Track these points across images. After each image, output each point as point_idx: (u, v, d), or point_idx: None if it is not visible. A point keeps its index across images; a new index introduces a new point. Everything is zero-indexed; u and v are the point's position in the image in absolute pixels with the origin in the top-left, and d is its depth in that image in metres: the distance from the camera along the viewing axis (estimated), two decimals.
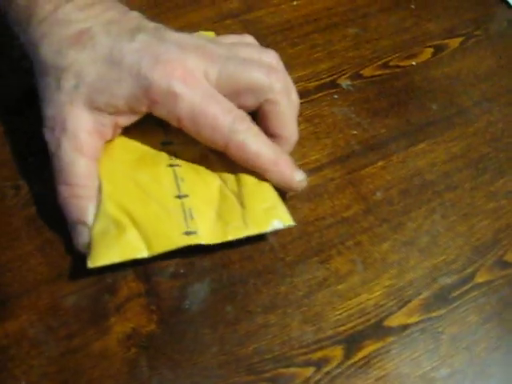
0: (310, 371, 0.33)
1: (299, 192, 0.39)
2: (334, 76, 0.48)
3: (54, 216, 0.38)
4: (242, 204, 0.37)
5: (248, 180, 0.38)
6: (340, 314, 0.35)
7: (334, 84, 0.47)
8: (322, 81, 0.48)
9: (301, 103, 0.44)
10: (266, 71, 0.37)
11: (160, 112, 0.36)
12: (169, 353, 0.33)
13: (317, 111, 0.45)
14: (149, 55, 0.35)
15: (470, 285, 0.37)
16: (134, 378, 0.32)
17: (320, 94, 0.47)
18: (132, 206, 0.36)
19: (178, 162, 0.39)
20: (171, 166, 0.38)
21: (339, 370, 0.33)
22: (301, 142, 0.43)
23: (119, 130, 0.38)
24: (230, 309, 0.35)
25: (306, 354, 0.34)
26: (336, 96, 0.47)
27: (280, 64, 0.40)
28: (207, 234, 0.36)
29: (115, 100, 0.35)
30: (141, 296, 0.35)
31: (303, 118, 0.45)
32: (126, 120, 0.37)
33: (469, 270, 0.38)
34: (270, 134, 0.38)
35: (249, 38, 0.43)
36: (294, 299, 0.36)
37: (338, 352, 0.34)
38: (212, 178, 0.39)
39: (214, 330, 0.34)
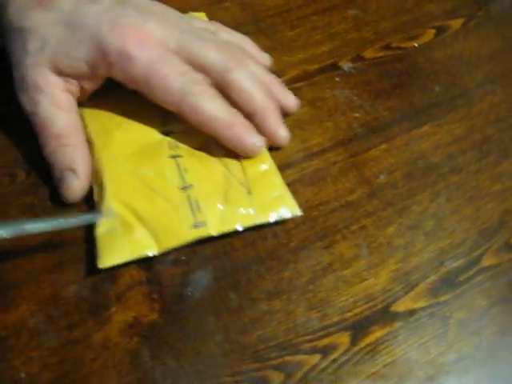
0: (316, 358, 0.33)
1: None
2: (335, 58, 0.47)
3: (50, 204, 0.37)
4: (249, 191, 0.37)
5: (252, 167, 0.38)
6: (346, 300, 0.35)
7: (335, 66, 0.47)
8: (323, 63, 0.47)
9: (302, 86, 0.44)
10: (218, 49, 0.38)
11: (117, 74, 0.37)
12: (171, 342, 0.33)
13: (318, 94, 0.45)
14: (108, 19, 0.36)
15: (476, 268, 0.37)
16: (136, 369, 0.32)
17: (321, 77, 0.46)
18: (137, 204, 0.36)
19: (180, 151, 0.38)
20: (173, 157, 0.38)
21: (346, 357, 0.33)
22: (302, 125, 0.42)
23: (88, 93, 0.39)
24: (233, 296, 0.34)
25: (311, 340, 0.33)
26: (337, 78, 0.46)
27: (239, 50, 0.41)
28: (216, 224, 0.36)
29: (76, 62, 0.36)
30: (142, 284, 0.34)
31: (305, 102, 0.44)
32: (91, 85, 0.38)
33: (475, 254, 0.37)
34: (245, 113, 0.38)
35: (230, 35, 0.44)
36: (298, 285, 0.35)
37: (344, 338, 0.33)
38: (215, 165, 0.38)
39: (218, 318, 0.34)
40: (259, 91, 0.39)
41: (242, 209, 0.36)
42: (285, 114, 0.41)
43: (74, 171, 0.36)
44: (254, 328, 0.33)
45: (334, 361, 0.33)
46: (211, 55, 0.38)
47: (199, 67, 0.38)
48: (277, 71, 0.45)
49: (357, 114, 0.44)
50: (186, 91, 0.36)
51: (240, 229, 0.36)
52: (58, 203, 0.37)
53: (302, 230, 0.37)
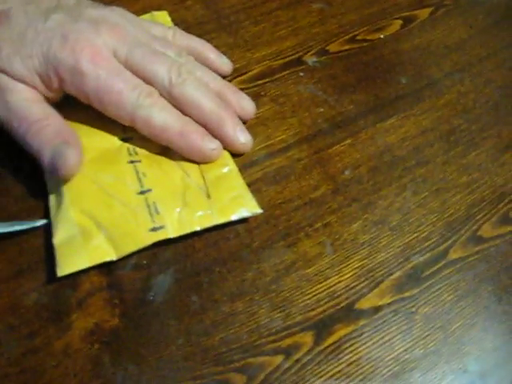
0: (279, 359, 0.32)
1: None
2: (300, 53, 0.47)
3: (9, 210, 0.37)
4: (208, 194, 0.37)
5: (211, 171, 0.38)
6: (309, 299, 0.34)
7: (299, 61, 0.46)
8: (287, 59, 0.46)
9: (265, 83, 0.44)
10: (169, 64, 0.38)
11: (69, 89, 0.37)
12: (133, 347, 0.32)
13: (282, 90, 0.44)
14: (59, 35, 0.36)
15: (443, 262, 0.36)
16: (97, 375, 0.31)
17: (285, 73, 0.45)
18: (96, 210, 0.35)
19: (139, 157, 0.38)
20: (132, 162, 0.38)
21: (309, 357, 0.32)
22: (265, 122, 0.42)
23: (53, 102, 0.39)
24: (195, 299, 0.34)
25: (274, 341, 0.33)
26: (302, 73, 0.45)
27: (186, 58, 0.41)
28: (174, 226, 0.35)
29: (29, 76, 0.36)
30: (103, 290, 0.34)
31: (268, 98, 0.43)
32: (51, 95, 0.38)
33: (442, 247, 0.37)
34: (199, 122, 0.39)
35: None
36: (261, 285, 0.35)
37: (307, 338, 0.33)
38: (174, 170, 0.38)
39: (180, 321, 0.33)
40: (209, 101, 0.38)
41: (200, 211, 0.36)
42: (243, 120, 0.41)
43: (66, 142, 0.36)
44: (216, 330, 0.33)
45: (298, 361, 0.32)
46: (160, 70, 0.38)
47: (148, 81, 0.38)
48: (240, 68, 0.45)
49: (321, 109, 0.43)
50: (138, 105, 0.36)
51: (199, 229, 0.36)
52: (19, 210, 0.37)
53: (264, 229, 0.37)
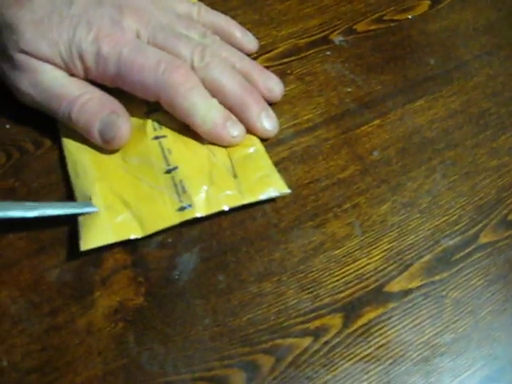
0: (307, 341, 0.32)
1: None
2: (326, 32, 0.46)
3: (32, 187, 0.36)
4: (235, 174, 0.36)
5: (237, 151, 0.37)
6: (338, 281, 0.34)
7: (326, 40, 0.45)
8: (313, 37, 0.45)
9: (291, 61, 0.43)
10: (192, 47, 0.37)
11: (95, 76, 0.37)
12: (158, 326, 0.32)
13: (308, 69, 0.43)
14: (84, 21, 0.36)
15: (473, 246, 0.36)
16: (121, 355, 0.31)
17: (311, 51, 0.44)
18: (122, 189, 0.35)
19: (163, 132, 0.37)
20: (156, 138, 0.37)
21: (338, 339, 0.32)
22: (292, 101, 0.41)
23: None
24: (221, 278, 0.33)
25: (303, 323, 0.32)
26: (328, 52, 0.44)
27: (211, 38, 0.40)
28: (201, 205, 0.34)
29: (56, 60, 0.36)
30: (127, 268, 0.33)
31: (294, 77, 0.42)
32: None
33: (472, 231, 0.36)
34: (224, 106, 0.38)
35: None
36: (289, 266, 0.34)
37: (336, 320, 0.32)
38: (200, 148, 0.37)
39: (206, 301, 0.33)
40: (234, 85, 0.37)
41: (228, 191, 0.35)
42: (271, 101, 0.40)
43: (114, 112, 0.36)
44: (243, 311, 0.32)
45: (326, 343, 0.32)
46: (182, 53, 0.37)
47: None
48: (266, 46, 0.44)
49: (349, 89, 0.42)
50: (163, 82, 0.35)
51: (226, 209, 0.35)
52: (40, 186, 0.36)
53: (292, 209, 0.36)
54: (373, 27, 0.46)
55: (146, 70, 0.35)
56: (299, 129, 0.40)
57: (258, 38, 0.44)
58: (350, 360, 0.31)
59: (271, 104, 0.40)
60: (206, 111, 0.36)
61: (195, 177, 0.35)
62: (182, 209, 0.34)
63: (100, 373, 0.30)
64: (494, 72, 0.45)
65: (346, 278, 0.34)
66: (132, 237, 0.33)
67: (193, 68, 0.37)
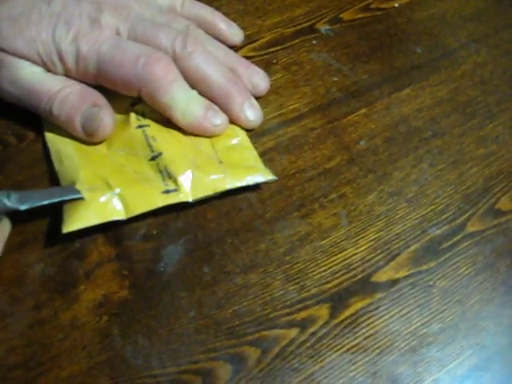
0: (294, 332, 0.31)
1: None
2: (312, 21, 0.45)
3: (15, 180, 0.36)
4: (220, 161, 0.35)
5: (221, 141, 0.37)
6: (324, 271, 0.33)
7: (312, 29, 0.45)
8: (299, 26, 0.45)
9: (277, 50, 0.43)
10: (174, 35, 0.37)
11: (76, 75, 0.36)
12: (143, 319, 0.31)
13: (294, 58, 0.43)
14: (63, 21, 0.35)
15: (460, 235, 0.35)
16: (106, 348, 0.30)
17: (297, 41, 0.44)
18: (107, 173, 0.34)
19: (146, 121, 0.37)
20: (140, 126, 0.36)
21: (325, 330, 0.31)
22: (278, 91, 0.41)
23: None
24: (207, 270, 0.33)
25: (289, 314, 0.32)
26: (314, 42, 0.44)
27: (194, 31, 0.39)
28: (186, 189, 0.34)
29: (33, 57, 0.35)
30: (111, 261, 0.33)
31: (280, 66, 0.42)
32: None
33: (459, 220, 0.36)
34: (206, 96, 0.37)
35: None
36: (274, 257, 0.34)
37: (323, 311, 0.32)
38: (183, 135, 0.37)
39: (191, 293, 0.32)
40: (217, 75, 0.37)
41: (213, 175, 0.35)
42: (256, 96, 0.40)
43: (95, 105, 0.35)
44: (228, 303, 0.32)
45: (313, 334, 0.31)
46: (162, 42, 0.36)
47: None
48: (251, 35, 0.44)
49: (335, 78, 0.42)
50: (142, 77, 0.35)
51: (212, 194, 0.35)
52: (24, 179, 0.36)
53: (278, 199, 0.36)
54: (359, 16, 0.46)
55: (125, 65, 0.35)
56: (285, 119, 0.39)
57: (242, 28, 0.43)
58: (337, 351, 0.31)
59: (257, 100, 0.39)
60: (185, 104, 0.36)
61: (180, 162, 0.35)
62: (166, 192, 0.34)
63: (85, 367, 0.30)
64: (482, 60, 0.44)
65: (333, 269, 0.33)
66: (115, 218, 0.33)
67: (175, 57, 0.36)
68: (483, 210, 0.37)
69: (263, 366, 0.30)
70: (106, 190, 0.33)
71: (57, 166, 0.35)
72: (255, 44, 0.43)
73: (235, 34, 0.43)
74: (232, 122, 0.38)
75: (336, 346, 0.31)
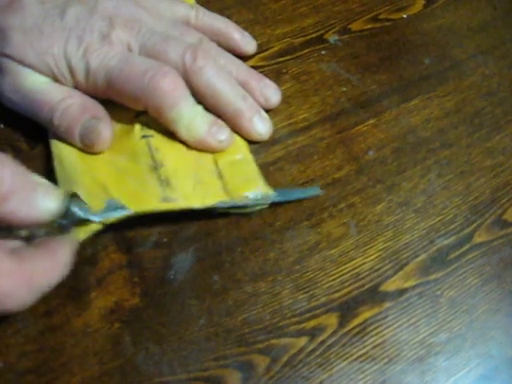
0: (303, 341, 0.32)
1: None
2: (321, 31, 0.46)
3: None
4: (221, 175, 0.36)
5: (224, 157, 0.37)
6: (333, 280, 0.34)
7: (321, 39, 0.45)
8: (309, 36, 0.45)
9: (287, 60, 0.43)
10: (183, 49, 0.37)
11: (85, 89, 0.37)
12: (154, 327, 0.32)
13: (304, 68, 0.43)
14: (74, 36, 0.35)
15: (468, 245, 0.36)
16: (118, 355, 0.31)
17: (306, 51, 0.44)
18: (107, 180, 0.35)
19: (151, 132, 0.37)
20: (144, 136, 0.37)
21: (334, 339, 0.32)
22: (288, 100, 0.41)
23: None
24: (216, 278, 0.33)
25: (298, 323, 0.32)
26: (323, 52, 0.44)
27: (207, 45, 0.39)
28: (185, 199, 0.34)
29: (42, 69, 0.36)
30: (123, 268, 0.33)
31: (289, 76, 0.42)
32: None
33: (467, 230, 0.36)
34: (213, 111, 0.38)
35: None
36: (284, 266, 0.34)
37: (332, 320, 0.32)
38: (186, 149, 0.37)
39: (201, 301, 0.32)
40: (228, 90, 0.37)
41: (213, 188, 0.35)
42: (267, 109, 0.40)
43: (95, 117, 0.36)
44: (238, 311, 0.32)
45: (322, 343, 0.32)
46: (172, 55, 0.36)
47: None
48: (261, 45, 0.44)
49: (344, 88, 0.42)
50: (149, 92, 0.35)
51: (210, 204, 0.34)
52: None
53: (287, 208, 0.36)
54: (368, 26, 0.46)
55: (132, 79, 0.35)
56: (294, 128, 0.40)
57: (253, 38, 0.44)
58: (345, 359, 0.31)
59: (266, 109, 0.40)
60: (190, 120, 0.36)
61: (181, 175, 0.35)
62: (165, 199, 0.34)
63: (96, 373, 0.30)
64: (489, 71, 0.45)
65: (342, 278, 0.34)
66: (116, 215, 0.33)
67: (185, 71, 0.36)
68: (490, 220, 0.37)
69: (272, 374, 0.31)
70: (104, 197, 0.33)
71: (58, 170, 0.35)
72: (265, 53, 0.44)
73: (248, 43, 0.43)
74: (242, 135, 0.38)
75: (345, 354, 0.31)
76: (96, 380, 0.30)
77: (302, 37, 0.45)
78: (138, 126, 0.37)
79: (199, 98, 0.37)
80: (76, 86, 0.37)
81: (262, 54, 0.44)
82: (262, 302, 0.33)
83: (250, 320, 0.32)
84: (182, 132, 0.36)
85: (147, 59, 0.36)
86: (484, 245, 0.36)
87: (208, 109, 0.37)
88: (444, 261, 0.35)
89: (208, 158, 0.37)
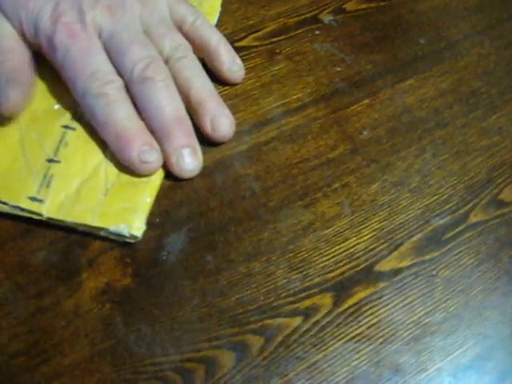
0: (297, 321, 0.31)
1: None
2: (316, 11, 0.45)
3: None
4: (106, 192, 0.34)
5: (126, 176, 0.35)
6: (328, 260, 0.33)
7: (315, 19, 0.45)
8: (303, 16, 0.45)
9: (280, 40, 0.43)
10: (137, 60, 0.35)
11: (44, 54, 0.36)
12: (146, 307, 0.31)
13: (297, 48, 0.43)
14: (54, 1, 0.35)
15: (464, 225, 0.35)
16: (109, 336, 0.30)
17: (300, 31, 0.44)
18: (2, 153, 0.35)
19: (77, 126, 0.36)
20: (66, 127, 0.36)
21: (328, 319, 0.31)
22: (281, 80, 0.41)
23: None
24: (210, 258, 0.33)
25: (292, 303, 0.32)
26: (318, 32, 0.44)
27: (180, 53, 0.37)
28: (50, 207, 0.33)
29: (13, 19, 0.36)
30: (114, 248, 0.33)
31: (283, 56, 0.42)
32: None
33: (462, 210, 0.36)
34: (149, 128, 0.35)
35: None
36: (278, 246, 0.34)
37: (326, 300, 0.32)
38: (95, 154, 0.35)
39: (194, 282, 0.32)
40: (166, 111, 0.35)
41: (83, 205, 0.33)
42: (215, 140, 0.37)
43: (13, 81, 0.34)
44: (232, 291, 0.32)
45: (316, 323, 0.31)
46: (126, 61, 0.35)
47: (117, 70, 0.35)
48: (254, 25, 0.43)
49: (338, 68, 0.42)
50: (87, 92, 0.34)
51: (70, 221, 0.33)
52: None
53: (281, 188, 0.36)
54: (363, 6, 0.46)
55: (80, 77, 0.34)
56: (288, 108, 0.39)
57: (246, 18, 0.43)
58: (340, 339, 0.31)
59: (259, 83, 0.39)
60: (120, 128, 0.34)
61: (67, 179, 0.34)
62: (32, 199, 0.33)
63: (87, 354, 0.30)
64: (485, 51, 0.44)
65: (336, 258, 0.33)
66: None
67: (131, 80, 0.35)
68: (486, 200, 0.37)
69: (266, 354, 0.30)
70: None
71: None
72: (258, 33, 0.43)
73: (235, 71, 0.40)
74: (164, 164, 0.35)
75: (339, 334, 0.31)
76: (87, 361, 0.30)
77: (296, 17, 0.45)
78: (68, 114, 0.36)
79: (139, 111, 0.35)
80: (37, 47, 0.36)
81: (255, 34, 0.43)
82: (255, 282, 0.32)
83: (243, 300, 0.32)
84: (110, 139, 0.35)
85: (100, 61, 0.35)
86: (480, 224, 0.36)
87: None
88: (439, 241, 0.35)
89: (111, 170, 0.35)
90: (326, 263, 0.33)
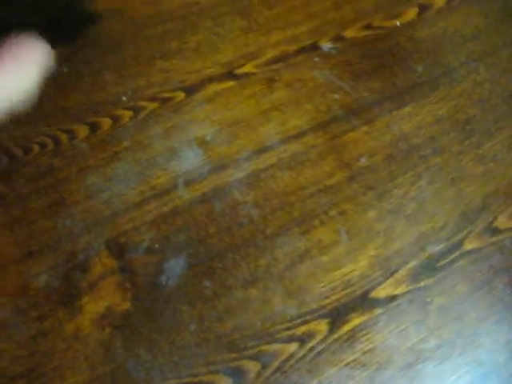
0: (293, 347, 0.32)
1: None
2: (315, 38, 0.46)
3: (21, 192, 0.36)
4: None
5: None
6: (324, 287, 0.34)
7: (314, 47, 0.45)
8: (302, 44, 0.45)
9: (280, 68, 0.43)
10: None
11: None
12: (145, 332, 0.32)
13: (297, 75, 0.43)
14: None
15: (458, 252, 0.36)
16: (109, 360, 0.31)
17: (300, 58, 0.44)
18: None
19: None
20: None
21: (324, 345, 0.32)
22: (280, 108, 0.41)
23: None
24: (208, 284, 0.33)
25: (289, 329, 0.32)
26: (317, 59, 0.44)
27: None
28: None
29: None
30: (114, 273, 0.34)
31: (283, 83, 0.42)
32: None
33: (457, 237, 0.36)
34: None
35: None
36: (275, 272, 0.34)
37: (322, 326, 0.33)
38: None
39: (192, 307, 0.33)
40: None
41: None
42: None
43: None
44: (229, 317, 0.33)
45: (312, 349, 0.32)
46: None
47: None
48: (254, 52, 0.44)
49: (337, 96, 0.42)
50: None
51: None
52: (29, 192, 0.36)
53: (279, 215, 0.36)
54: (361, 34, 0.47)
55: None
56: (287, 135, 0.40)
57: (246, 45, 0.44)
58: (335, 365, 0.31)
59: (259, 110, 0.40)
60: None
61: None
62: None
63: (87, 378, 0.30)
64: (481, 78, 0.45)
65: (332, 284, 0.34)
66: None
67: None
68: (481, 227, 0.37)
69: (263, 379, 0.31)
70: None
71: None
72: (258, 61, 0.44)
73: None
74: None
75: (334, 360, 0.32)
76: None
77: (295, 44, 0.45)
78: None
79: None
80: None
81: (254, 62, 0.44)
82: (252, 308, 0.33)
83: (240, 326, 0.32)
84: None
85: None
86: (474, 252, 0.36)
87: None
88: (434, 268, 0.35)
89: None
90: (322, 290, 0.34)
